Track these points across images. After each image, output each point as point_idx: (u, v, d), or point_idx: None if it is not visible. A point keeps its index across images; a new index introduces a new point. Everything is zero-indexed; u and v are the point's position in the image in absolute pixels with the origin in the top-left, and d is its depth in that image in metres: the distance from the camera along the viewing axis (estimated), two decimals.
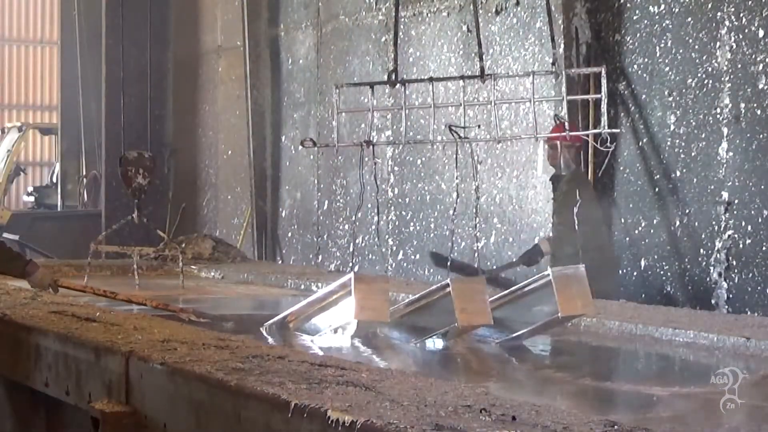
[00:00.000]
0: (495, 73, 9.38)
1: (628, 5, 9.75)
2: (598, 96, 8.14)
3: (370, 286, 6.96)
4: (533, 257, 9.42)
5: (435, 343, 7.55)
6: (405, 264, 11.90)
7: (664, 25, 9.44)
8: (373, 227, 12.53)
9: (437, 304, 7.10)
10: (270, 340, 7.32)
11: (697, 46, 9.15)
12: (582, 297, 7.07)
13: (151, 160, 10.48)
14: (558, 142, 9.18)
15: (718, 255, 8.95)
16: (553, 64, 9.90)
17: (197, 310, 8.12)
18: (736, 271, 8.82)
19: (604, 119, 7.81)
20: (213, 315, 8.21)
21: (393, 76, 8.29)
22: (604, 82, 7.82)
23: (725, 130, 8.92)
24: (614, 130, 8.07)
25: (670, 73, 9.40)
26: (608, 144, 8.05)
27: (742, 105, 8.77)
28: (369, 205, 12.37)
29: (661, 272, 9.46)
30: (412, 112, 11.86)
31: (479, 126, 9.56)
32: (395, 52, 9.10)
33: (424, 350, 7.44)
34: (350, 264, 12.11)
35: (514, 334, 7.47)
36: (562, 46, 9.88)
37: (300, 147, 14.13)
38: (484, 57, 8.89)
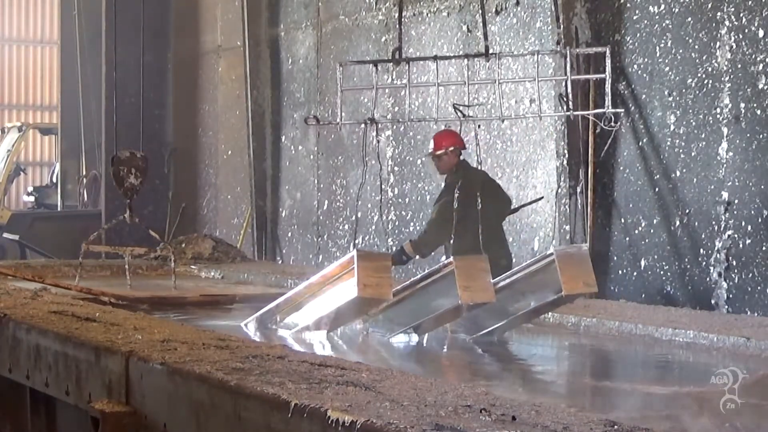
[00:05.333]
0: (499, 52, 9.40)
1: (628, 5, 9.74)
2: (602, 76, 8.19)
3: (373, 263, 6.91)
4: (397, 258, 9.18)
5: (411, 338, 7.55)
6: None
7: (664, 25, 9.44)
8: (373, 227, 12.53)
9: (440, 283, 7.08)
10: (251, 335, 7.32)
11: (697, 46, 9.15)
12: (585, 276, 7.06)
13: (143, 159, 10.45)
14: (441, 151, 9.18)
15: (718, 255, 8.95)
16: (557, 43, 9.94)
17: (116, 294, 8.78)
18: (736, 271, 8.82)
19: (608, 99, 7.83)
20: (132, 297, 8.83)
21: (397, 55, 8.35)
22: (608, 62, 7.86)
23: (725, 130, 8.92)
24: (618, 110, 8.12)
25: (670, 73, 9.40)
26: (612, 123, 8.09)
27: (742, 105, 8.77)
28: (369, 205, 12.37)
29: (661, 272, 9.46)
30: (412, 112, 11.87)
31: (477, 121, 9.56)
32: (399, 29, 9.10)
33: (410, 346, 7.43)
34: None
35: (512, 317, 7.45)
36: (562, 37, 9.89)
37: (300, 147, 14.20)
38: (483, 53, 8.94)
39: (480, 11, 10.29)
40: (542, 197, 10.31)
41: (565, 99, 8.45)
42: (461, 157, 9.30)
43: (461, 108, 7.65)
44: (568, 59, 8.46)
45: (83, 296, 8.45)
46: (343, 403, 3.40)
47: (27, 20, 28.42)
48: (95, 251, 11.26)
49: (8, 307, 6.15)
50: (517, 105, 10.64)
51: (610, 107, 7.79)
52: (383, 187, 11.85)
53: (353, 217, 12.49)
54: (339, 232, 13.44)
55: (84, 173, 19.45)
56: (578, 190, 10.01)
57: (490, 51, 9.51)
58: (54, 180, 21.81)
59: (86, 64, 18.85)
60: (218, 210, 16.13)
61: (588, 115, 9.23)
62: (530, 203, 10.33)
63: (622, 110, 9.39)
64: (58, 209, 20.31)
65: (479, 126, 11.06)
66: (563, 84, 9.50)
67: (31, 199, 22.63)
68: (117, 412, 4.36)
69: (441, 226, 8.94)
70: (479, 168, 9.64)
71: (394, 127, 12.38)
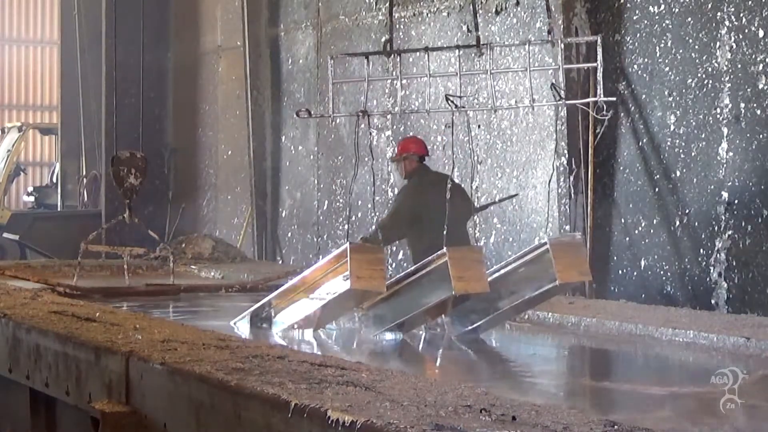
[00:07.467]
0: (490, 43, 9.41)
1: (628, 5, 9.74)
2: (594, 65, 8.21)
3: (366, 256, 6.87)
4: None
5: (396, 335, 7.52)
6: (405, 264, 11.90)
7: (664, 25, 9.44)
8: (373, 227, 12.51)
9: (434, 274, 7.04)
10: (240, 333, 7.31)
11: (697, 46, 9.14)
12: (579, 265, 7.05)
13: (143, 160, 10.49)
14: (402, 156, 9.26)
15: (718, 255, 8.95)
16: (549, 32, 9.94)
17: (71, 285, 9.52)
18: (736, 271, 8.81)
19: (600, 87, 7.84)
20: (85, 288, 9.52)
21: (388, 46, 8.38)
22: (599, 50, 7.87)
23: (725, 130, 8.92)
24: (610, 99, 8.14)
25: (670, 73, 9.40)
26: (604, 112, 8.10)
27: (742, 105, 8.77)
28: (369, 205, 12.36)
29: (661, 272, 9.46)
30: (412, 111, 11.85)
31: (470, 111, 9.55)
32: (390, 21, 9.10)
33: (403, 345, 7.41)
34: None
35: (505, 309, 7.41)
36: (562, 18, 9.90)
37: (300, 147, 14.20)
38: (482, 52, 8.95)
39: (479, 9, 10.29)
40: (517, 194, 10.39)
41: (557, 89, 8.44)
42: (424, 162, 9.37)
43: (454, 100, 7.67)
44: (560, 48, 8.46)
45: (40, 287, 9.08)
46: (343, 403, 3.40)
47: (27, 20, 28.42)
48: (94, 251, 11.29)
49: (8, 307, 6.15)
50: (517, 104, 10.63)
51: (602, 96, 7.79)
52: (383, 187, 11.86)
53: (353, 217, 12.49)
54: (339, 232, 13.44)
55: (84, 173, 19.44)
56: (578, 190, 10.01)
57: (489, 53, 9.51)
58: (54, 180, 21.80)
59: (86, 64, 18.84)
60: (218, 210, 16.12)
61: (579, 104, 9.22)
62: (503, 200, 10.40)
63: (614, 98, 9.36)
64: (58, 209, 20.30)
65: (479, 126, 11.07)
66: (558, 75, 9.49)
67: (31, 199, 22.62)
68: (117, 412, 4.36)
69: (389, 227, 8.98)
70: (440, 171, 9.74)
71: (394, 126, 12.37)
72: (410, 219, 8.88)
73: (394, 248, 12.16)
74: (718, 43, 8.95)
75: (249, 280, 10.91)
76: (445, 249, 6.99)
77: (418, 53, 11.74)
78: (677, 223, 9.34)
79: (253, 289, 10.41)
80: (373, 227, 9.61)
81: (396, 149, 9.54)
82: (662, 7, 9.43)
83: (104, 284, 10.33)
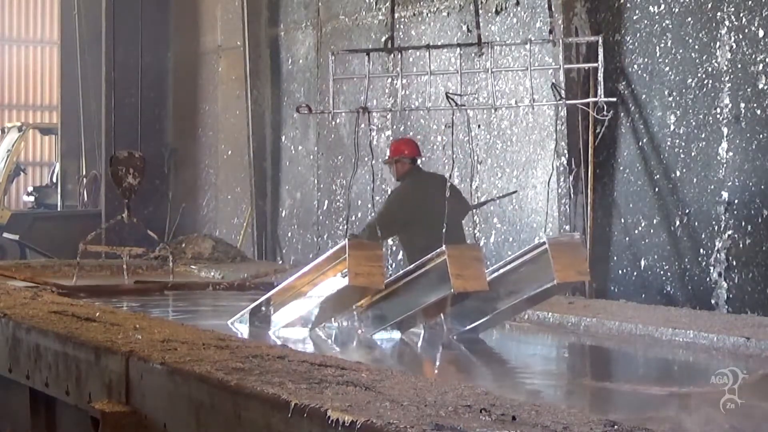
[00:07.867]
0: (490, 41, 9.42)
1: (628, 5, 9.74)
2: (594, 65, 8.23)
3: (364, 252, 6.85)
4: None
5: (392, 335, 7.50)
6: (405, 264, 11.90)
7: (664, 25, 9.44)
8: (362, 228, 12.52)
9: (433, 272, 7.03)
10: (237, 332, 7.31)
11: (697, 46, 9.14)
12: (578, 264, 7.05)
13: (141, 159, 10.50)
14: (393, 159, 9.29)
15: (718, 255, 8.95)
16: (550, 32, 9.95)
17: (57, 284, 9.62)
18: (736, 271, 8.81)
19: (601, 88, 7.85)
20: (71, 287, 9.64)
21: (389, 44, 8.39)
22: (600, 51, 7.88)
23: (725, 130, 8.92)
24: (610, 99, 8.17)
25: (670, 73, 9.40)
26: (605, 112, 8.12)
27: (742, 105, 8.77)
28: (369, 205, 12.36)
29: (661, 272, 9.46)
30: (412, 110, 11.84)
31: (469, 109, 9.56)
32: (391, 19, 9.09)
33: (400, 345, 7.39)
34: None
35: (504, 309, 7.40)
36: (562, 17, 9.90)
37: (300, 147, 14.20)
38: (483, 51, 8.95)
39: (481, 11, 10.29)
40: (516, 191, 10.39)
41: (557, 89, 8.45)
42: (417, 164, 9.38)
43: (454, 98, 7.69)
44: (560, 48, 8.46)
45: (28, 284, 9.22)
46: (343, 403, 3.39)
47: (27, 20, 28.41)
48: (94, 251, 11.31)
49: (8, 307, 6.14)
50: (517, 105, 10.62)
51: (602, 96, 7.80)
52: (383, 186, 11.85)
53: (353, 216, 12.49)
54: (339, 232, 13.44)
55: (84, 173, 19.45)
56: (578, 190, 10.01)
57: (489, 53, 9.51)
58: (54, 180, 21.80)
59: (86, 64, 18.84)
60: (218, 210, 16.12)
61: (580, 104, 9.23)
62: (503, 197, 10.42)
63: (614, 99, 9.36)
64: (58, 209, 20.30)
65: (479, 126, 11.06)
66: (559, 75, 9.50)
67: (31, 199, 22.62)
68: (117, 412, 4.36)
69: (378, 228, 9.01)
70: (434, 172, 9.77)
71: (394, 126, 12.37)
72: (400, 221, 8.89)
73: (394, 247, 12.16)
74: (718, 43, 8.95)
75: (238, 278, 10.93)
76: (444, 247, 6.97)
77: (418, 52, 11.76)
78: (677, 223, 9.34)
79: (240, 286, 10.43)
80: (363, 228, 9.65)
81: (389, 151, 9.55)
82: (662, 7, 9.43)
83: (93, 283, 10.37)
